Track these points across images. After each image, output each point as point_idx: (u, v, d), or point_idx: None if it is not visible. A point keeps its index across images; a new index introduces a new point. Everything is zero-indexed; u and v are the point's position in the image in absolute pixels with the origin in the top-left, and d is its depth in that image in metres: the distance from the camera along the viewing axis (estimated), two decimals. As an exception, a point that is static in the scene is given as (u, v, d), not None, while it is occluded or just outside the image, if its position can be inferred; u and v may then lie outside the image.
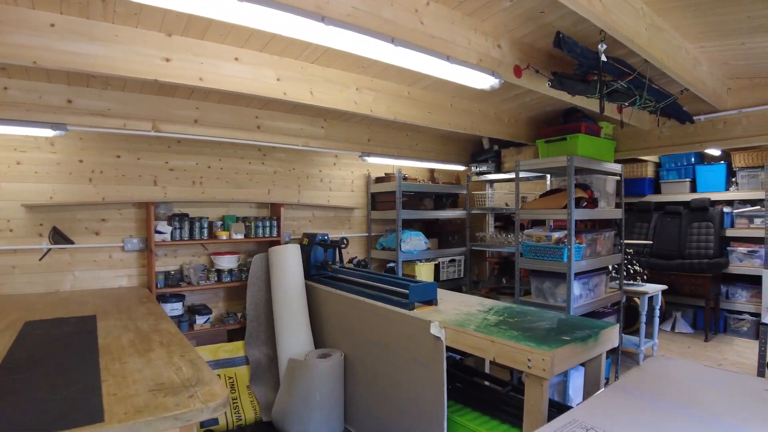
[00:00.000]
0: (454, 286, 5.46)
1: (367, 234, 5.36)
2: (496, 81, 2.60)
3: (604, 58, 2.41)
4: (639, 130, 4.47)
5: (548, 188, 5.08)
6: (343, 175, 5.13)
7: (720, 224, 5.94)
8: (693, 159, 6.38)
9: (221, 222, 4.16)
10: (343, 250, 4.18)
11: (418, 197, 5.27)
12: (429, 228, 5.63)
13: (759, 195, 5.70)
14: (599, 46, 2.40)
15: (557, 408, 2.57)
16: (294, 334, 3.71)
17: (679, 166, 6.51)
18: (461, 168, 5.60)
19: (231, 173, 4.32)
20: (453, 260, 5.45)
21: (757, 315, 5.66)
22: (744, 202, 5.93)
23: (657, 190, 6.79)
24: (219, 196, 4.24)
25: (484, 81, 2.62)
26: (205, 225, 3.97)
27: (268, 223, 4.28)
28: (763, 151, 5.66)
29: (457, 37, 2.43)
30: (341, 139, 4.48)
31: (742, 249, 5.85)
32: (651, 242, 6.21)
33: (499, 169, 5.25)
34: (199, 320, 3.84)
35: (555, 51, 2.73)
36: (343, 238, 4.11)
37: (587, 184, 4.26)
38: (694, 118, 4.03)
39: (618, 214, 4.47)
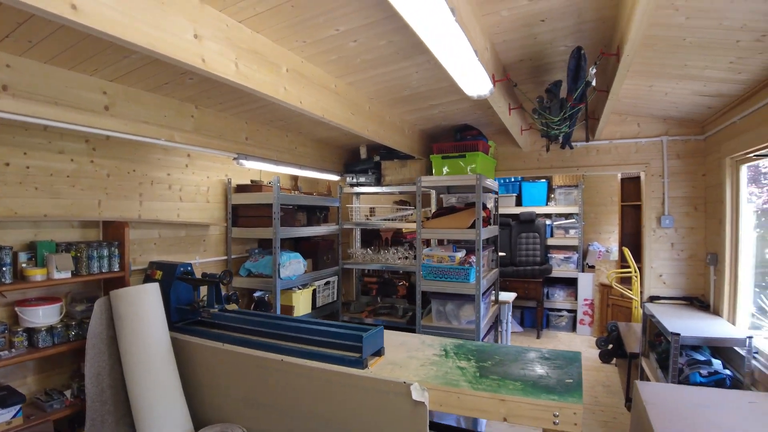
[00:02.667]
0: (331, 311, 4.87)
1: (226, 257, 4.32)
2: (489, 88, 2.21)
3: (594, 82, 2.28)
4: (519, 150, 4.70)
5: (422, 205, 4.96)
6: (197, 181, 3.99)
7: (544, 234, 6.81)
8: (520, 176, 7.18)
9: (30, 253, 2.70)
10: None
11: (291, 211, 4.50)
12: (299, 247, 4.90)
13: (573, 209, 6.73)
14: (591, 70, 2.25)
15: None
16: (163, 413, 2.61)
17: (507, 182, 7.25)
18: (335, 177, 5.04)
19: (42, 175, 2.87)
20: (328, 282, 4.85)
21: (573, 311, 6.67)
22: (560, 216, 6.94)
23: (489, 203, 7.44)
24: (23, 210, 2.76)
25: (479, 83, 2.20)
26: (7, 259, 2.51)
27: (105, 251, 2.97)
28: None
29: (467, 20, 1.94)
30: (215, 135, 3.43)
31: (560, 255, 6.82)
32: (504, 254, 6.73)
33: (379, 182, 4.89)
34: (3, 415, 2.38)
35: (521, 66, 2.51)
36: (225, 272, 3.14)
37: (484, 203, 4.24)
38: (574, 144, 4.41)
39: (496, 231, 4.60)
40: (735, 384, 3.26)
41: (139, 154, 3.45)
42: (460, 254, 3.92)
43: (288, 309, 4.20)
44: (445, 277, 3.88)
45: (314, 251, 4.74)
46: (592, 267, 6.62)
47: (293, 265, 4.23)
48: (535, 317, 6.67)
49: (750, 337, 3.22)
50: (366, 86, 3.10)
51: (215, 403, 2.67)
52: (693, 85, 3.33)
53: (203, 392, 2.70)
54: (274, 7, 1.97)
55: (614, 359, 5.40)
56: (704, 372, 3.33)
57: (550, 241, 6.91)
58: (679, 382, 3.32)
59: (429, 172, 4.66)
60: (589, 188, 7.06)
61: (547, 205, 7.00)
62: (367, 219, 5.36)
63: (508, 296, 5.18)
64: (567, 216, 6.91)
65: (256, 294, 4.28)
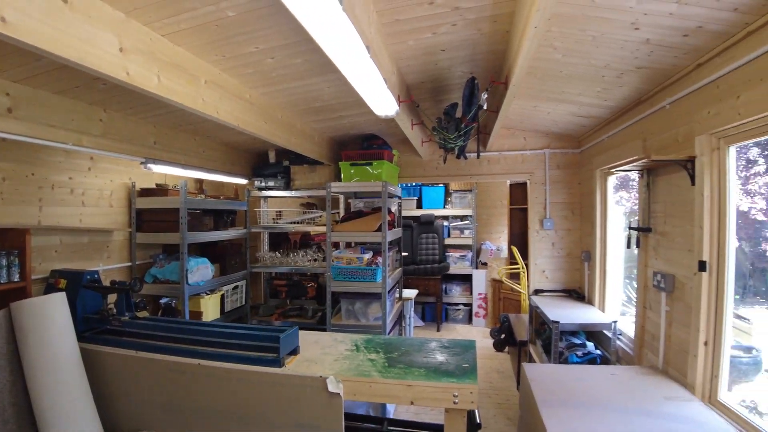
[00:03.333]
0: (239, 315, 4.87)
1: (130, 263, 4.15)
2: (396, 109, 2.48)
3: (485, 106, 2.65)
4: (420, 159, 5.08)
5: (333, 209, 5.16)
6: (100, 185, 3.80)
7: (442, 235, 7.35)
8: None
9: None
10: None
11: (198, 215, 4.43)
12: (206, 251, 4.82)
13: (468, 212, 7.36)
14: (483, 96, 2.62)
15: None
16: (74, 428, 2.53)
17: (408, 187, 7.70)
18: (243, 181, 5.03)
19: None
20: (236, 286, 4.84)
21: (469, 305, 7.29)
22: (456, 217, 7.54)
23: (393, 206, 7.85)
24: None
25: (387, 105, 2.45)
26: None
27: (4, 261, 2.77)
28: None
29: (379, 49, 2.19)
30: (123, 139, 3.31)
31: (456, 254, 7.42)
32: (407, 254, 7.12)
33: (288, 186, 4.98)
34: None
35: (422, 87, 2.82)
36: (136, 279, 3.07)
37: (389, 207, 4.54)
38: (467, 155, 4.88)
39: (400, 233, 4.95)
40: (604, 361, 3.91)
41: (39, 157, 3.22)
42: (368, 255, 4.19)
43: (196, 315, 4.15)
44: (354, 278, 4.12)
45: (222, 255, 4.71)
46: (485, 264, 7.30)
47: (201, 270, 4.19)
48: (434, 312, 7.19)
49: (615, 322, 3.88)
50: (279, 97, 3.22)
51: (133, 412, 2.63)
52: (569, 107, 3.91)
53: (119, 402, 2.64)
54: (200, 24, 2.05)
55: (506, 347, 6.03)
56: (580, 353, 3.93)
57: (448, 241, 7.48)
58: (560, 363, 3.89)
59: (338, 177, 4.87)
60: (482, 192, 7.76)
61: (444, 207, 7.56)
62: (275, 222, 5.42)
63: (410, 293, 5.56)
64: (462, 218, 7.54)
65: (163, 301, 4.17)
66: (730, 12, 2.02)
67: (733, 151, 2.59)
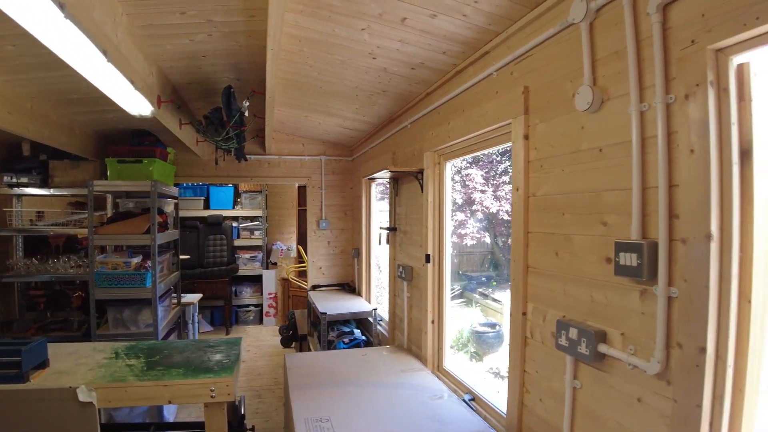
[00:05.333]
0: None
1: None
2: (151, 110, 2.46)
3: (246, 113, 2.81)
4: (198, 158, 4.96)
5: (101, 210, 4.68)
6: None
7: (231, 236, 7.28)
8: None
9: None
10: None
11: None
12: None
13: (258, 213, 7.45)
14: (245, 103, 2.78)
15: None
16: None
17: (195, 187, 7.41)
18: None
19: None
20: (-38, 303, 4.00)
21: (260, 305, 7.38)
22: (246, 218, 7.55)
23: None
24: None
25: (140, 105, 2.41)
26: None
27: None
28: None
29: (129, 52, 2.16)
30: None
31: (246, 255, 7.44)
32: (188, 257, 6.78)
33: (46, 183, 4.33)
34: None
35: (191, 88, 2.85)
36: None
37: (161, 208, 4.35)
38: (248, 157, 4.97)
39: (177, 234, 4.80)
40: (368, 344, 4.44)
41: None
42: (136, 260, 3.95)
43: None
44: (121, 284, 3.84)
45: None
46: (275, 264, 7.50)
47: None
48: (224, 315, 7.08)
49: (375, 309, 4.46)
50: (28, 86, 2.83)
51: None
52: (336, 120, 4.36)
53: None
54: None
55: (293, 343, 6.31)
56: (347, 340, 4.41)
57: (237, 242, 7.45)
58: (330, 350, 4.29)
59: (105, 175, 4.44)
60: (275, 194, 7.95)
61: (234, 208, 7.51)
62: (33, 224, 4.65)
63: (193, 297, 5.40)
64: (252, 219, 7.60)
65: None
66: (441, 54, 2.55)
67: (450, 165, 3.30)
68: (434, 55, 2.56)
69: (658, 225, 1.31)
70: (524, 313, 2.05)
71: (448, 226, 3.32)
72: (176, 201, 4.87)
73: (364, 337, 4.47)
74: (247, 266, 7.40)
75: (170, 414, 3.98)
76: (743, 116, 1.17)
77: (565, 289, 1.77)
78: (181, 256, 6.67)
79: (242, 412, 2.83)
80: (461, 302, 5.79)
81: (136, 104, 2.39)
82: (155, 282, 3.87)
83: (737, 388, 1.18)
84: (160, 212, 4.25)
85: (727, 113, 1.16)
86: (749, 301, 1.17)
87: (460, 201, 5.72)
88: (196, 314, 5.56)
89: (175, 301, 4.86)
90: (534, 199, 1.99)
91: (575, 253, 1.71)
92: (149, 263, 3.91)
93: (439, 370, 3.23)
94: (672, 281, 1.29)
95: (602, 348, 1.55)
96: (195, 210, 7.30)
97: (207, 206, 7.44)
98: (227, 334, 6.81)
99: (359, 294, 5.22)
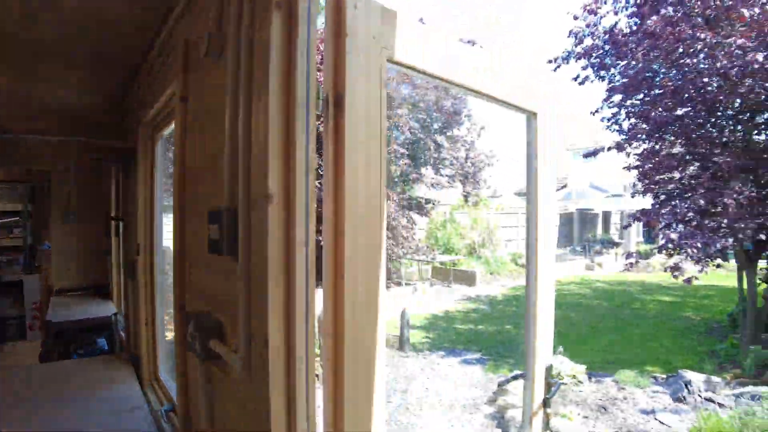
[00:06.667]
0: None
1: None
2: None
3: None
4: None
5: None
6: None
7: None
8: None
9: None
10: None
11: None
12: None
13: (17, 207, 6.17)
14: None
15: None
16: None
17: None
18: None
19: None
20: None
21: (22, 317, 6.13)
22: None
23: None
24: None
25: None
26: None
27: None
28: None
29: None
30: None
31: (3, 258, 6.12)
32: None
33: None
34: None
35: None
36: None
37: None
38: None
39: None
40: (110, 352, 3.86)
41: None
42: None
43: None
44: None
45: None
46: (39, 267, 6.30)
47: None
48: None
49: (115, 313, 3.91)
50: None
51: None
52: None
53: None
54: None
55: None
56: (81, 351, 3.79)
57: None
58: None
59: None
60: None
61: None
62: None
63: None
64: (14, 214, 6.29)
65: None
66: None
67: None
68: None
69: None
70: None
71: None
72: None
73: (106, 347, 3.90)
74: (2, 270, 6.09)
75: None
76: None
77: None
78: None
79: None
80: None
81: None
82: None
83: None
84: None
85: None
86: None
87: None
88: None
89: None
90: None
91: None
92: None
93: (155, 378, 2.84)
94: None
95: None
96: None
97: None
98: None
99: (111, 297, 4.57)
